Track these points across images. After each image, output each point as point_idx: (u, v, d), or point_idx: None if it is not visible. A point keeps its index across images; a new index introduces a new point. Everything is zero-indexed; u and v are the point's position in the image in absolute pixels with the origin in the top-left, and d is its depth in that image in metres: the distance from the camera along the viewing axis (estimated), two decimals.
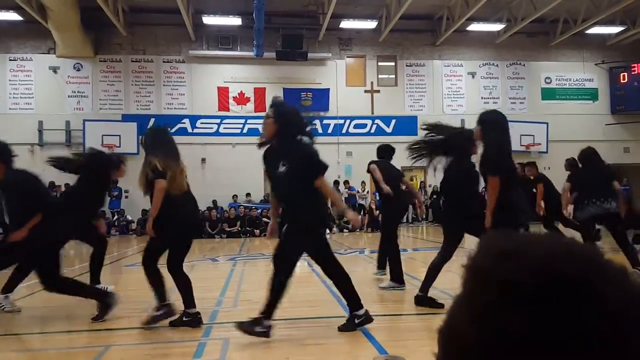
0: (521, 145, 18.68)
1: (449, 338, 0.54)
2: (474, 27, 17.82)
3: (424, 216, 18.22)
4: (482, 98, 19.14)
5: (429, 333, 3.84)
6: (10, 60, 17.00)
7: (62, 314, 4.77)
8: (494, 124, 4.48)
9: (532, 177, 8.27)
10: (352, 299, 3.88)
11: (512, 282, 0.47)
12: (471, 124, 19.33)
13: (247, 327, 3.47)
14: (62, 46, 16.74)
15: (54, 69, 17.12)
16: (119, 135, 16.87)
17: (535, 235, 0.53)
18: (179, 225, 4.11)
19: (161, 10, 16.75)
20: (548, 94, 19.49)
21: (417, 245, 10.56)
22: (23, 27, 16.62)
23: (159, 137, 4.49)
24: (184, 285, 4.13)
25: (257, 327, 3.47)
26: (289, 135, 3.84)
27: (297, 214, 3.74)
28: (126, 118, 17.34)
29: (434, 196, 17.95)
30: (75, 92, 17.35)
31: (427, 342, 3.61)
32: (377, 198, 8.97)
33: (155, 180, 3.96)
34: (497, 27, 18.04)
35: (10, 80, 16.99)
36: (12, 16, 15.79)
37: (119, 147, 16.67)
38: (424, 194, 18.10)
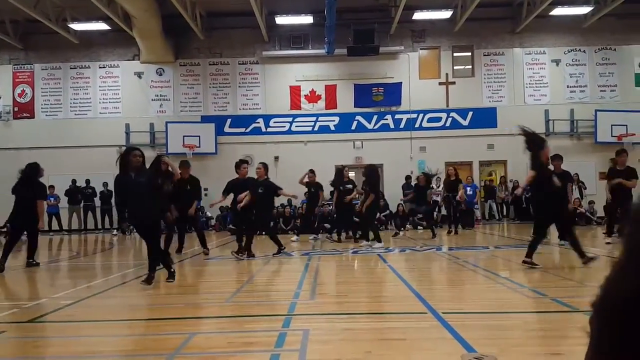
0: (612, 136, 17.14)
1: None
2: (558, 11, 16.60)
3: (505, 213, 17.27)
4: (567, 87, 17.82)
5: (522, 332, 3.53)
6: (100, 67, 18.40)
7: (149, 302, 4.99)
8: None
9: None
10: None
11: None
12: (555, 114, 18.20)
13: None
14: (145, 52, 17.83)
15: (139, 75, 18.26)
16: (199, 136, 17.63)
17: None
18: None
19: (236, 14, 17.30)
20: None
21: (499, 243, 9.95)
22: (111, 36, 17.93)
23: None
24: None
25: None
26: None
27: None
28: (205, 119, 18.09)
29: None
30: (158, 95, 18.40)
31: (521, 341, 3.32)
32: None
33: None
34: (584, 10, 16.67)
35: (100, 86, 18.39)
36: (101, 26, 17.09)
37: (199, 147, 17.45)
38: (504, 189, 17.11)
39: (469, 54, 18.05)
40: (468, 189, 16.00)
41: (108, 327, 4.10)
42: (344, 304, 4.64)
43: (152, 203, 5.57)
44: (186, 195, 8.38)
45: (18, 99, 18.49)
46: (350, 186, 11.31)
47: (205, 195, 17.60)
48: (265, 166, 8.42)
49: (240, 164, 8.78)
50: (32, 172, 8.12)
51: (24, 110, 18.51)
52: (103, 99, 18.40)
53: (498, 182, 17.55)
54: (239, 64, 18.26)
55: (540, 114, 17.66)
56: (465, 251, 8.63)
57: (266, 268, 7.21)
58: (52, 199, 16.47)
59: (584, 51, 17.83)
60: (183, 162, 8.98)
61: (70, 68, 18.44)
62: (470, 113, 17.68)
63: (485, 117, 17.65)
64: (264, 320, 4.01)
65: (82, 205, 16.74)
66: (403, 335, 3.49)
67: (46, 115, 18.44)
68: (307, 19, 16.91)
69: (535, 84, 17.90)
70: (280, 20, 16.96)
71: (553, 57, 17.85)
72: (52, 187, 16.32)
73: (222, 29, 18.08)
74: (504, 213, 17.29)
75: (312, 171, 11.39)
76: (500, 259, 7.61)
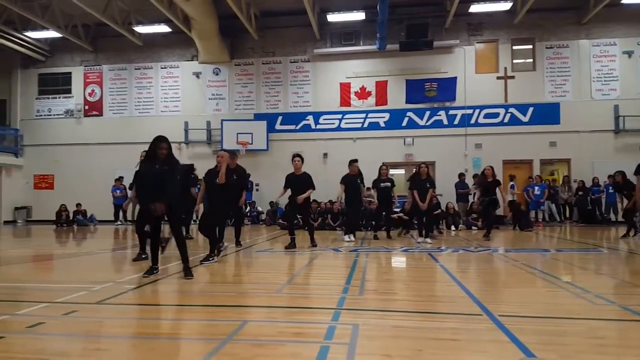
0: None
1: None
2: None
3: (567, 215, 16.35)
4: None
5: (586, 339, 3.31)
6: (162, 68, 19.32)
7: (203, 289, 5.17)
8: None
9: None
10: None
11: None
12: (627, 109, 17.23)
13: None
14: (203, 53, 18.50)
15: (197, 75, 19.00)
16: (251, 133, 18.08)
17: None
18: None
19: (289, 13, 17.56)
20: None
21: (560, 246, 9.43)
22: (171, 37, 18.77)
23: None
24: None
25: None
26: None
27: None
28: (257, 117, 18.54)
29: (580, 192, 15.94)
30: (214, 94, 19.04)
31: (585, 348, 3.11)
32: None
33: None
34: None
35: (161, 86, 19.31)
36: (163, 28, 17.95)
37: (251, 144, 17.88)
38: (568, 189, 16.20)
39: (530, 46, 17.26)
40: (536, 188, 15.35)
41: (166, 311, 4.30)
42: (393, 301, 4.58)
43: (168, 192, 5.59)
44: (233, 185, 8.43)
45: (88, 98, 19.79)
46: (389, 184, 11.10)
47: (257, 190, 18.05)
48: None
49: (293, 158, 8.94)
50: (186, 172, 9.60)
51: (93, 108, 19.79)
52: (164, 97, 19.29)
53: (561, 181, 16.66)
54: (291, 62, 18.53)
55: (609, 110, 16.58)
56: (523, 253, 8.26)
57: (314, 262, 7.26)
58: (118, 191, 17.47)
59: None
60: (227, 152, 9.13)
61: (135, 69, 19.49)
62: (531, 109, 16.91)
63: (547, 113, 16.82)
64: (313, 313, 4.03)
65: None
66: (456, 335, 3.39)
67: (113, 113, 19.59)
68: (359, 15, 16.85)
69: (604, 77, 16.81)
70: (332, 17, 17.01)
71: (625, 48, 16.71)
72: (118, 179, 17.34)
73: (275, 29, 18.42)
74: (567, 215, 16.38)
75: (355, 160, 10.59)
76: (561, 263, 7.22)
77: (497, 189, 10.87)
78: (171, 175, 5.64)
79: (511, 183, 15.28)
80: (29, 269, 7.08)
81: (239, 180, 8.64)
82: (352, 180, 10.23)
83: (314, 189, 8.85)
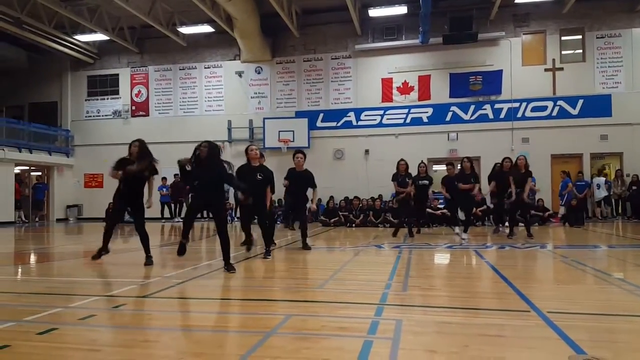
0: None
1: None
2: None
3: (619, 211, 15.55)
4: None
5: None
6: (205, 68, 19.79)
7: (247, 284, 5.31)
8: None
9: None
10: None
11: None
12: None
13: None
14: (245, 52, 18.82)
15: (239, 74, 19.33)
16: (293, 131, 18.24)
17: None
18: None
19: (330, 9, 17.57)
20: None
21: (612, 242, 9.01)
22: (214, 38, 19.19)
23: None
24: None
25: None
26: None
27: None
28: (299, 114, 18.67)
29: (634, 187, 15.14)
30: (256, 93, 19.34)
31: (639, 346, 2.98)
32: None
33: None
34: None
35: (205, 86, 19.79)
36: (206, 29, 18.38)
37: (293, 141, 18.04)
38: (621, 184, 15.41)
39: (580, 37, 16.50)
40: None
41: (212, 305, 4.43)
42: (437, 297, 4.53)
43: (217, 190, 6.05)
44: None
45: (135, 99, 20.54)
46: (427, 182, 10.92)
47: None
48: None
49: (294, 155, 8.46)
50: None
51: (140, 109, 20.53)
52: (208, 97, 19.77)
53: (613, 175, 15.87)
54: (332, 59, 18.54)
55: None
56: (573, 249, 7.95)
57: (356, 259, 7.27)
58: (164, 189, 18.08)
59: None
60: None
61: (179, 69, 20.07)
62: (581, 101, 16.18)
63: (598, 105, 16.05)
64: (356, 308, 4.05)
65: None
66: (503, 332, 3.33)
67: (159, 113, 20.25)
68: (401, 10, 16.61)
69: None
70: (374, 12, 16.86)
71: None
72: (164, 178, 17.94)
73: (316, 26, 18.47)
74: (619, 210, 15.60)
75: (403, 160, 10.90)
76: (613, 259, 6.91)
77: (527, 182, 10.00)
78: (226, 175, 6.06)
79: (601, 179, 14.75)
80: (81, 264, 7.44)
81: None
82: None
83: (314, 187, 8.25)
